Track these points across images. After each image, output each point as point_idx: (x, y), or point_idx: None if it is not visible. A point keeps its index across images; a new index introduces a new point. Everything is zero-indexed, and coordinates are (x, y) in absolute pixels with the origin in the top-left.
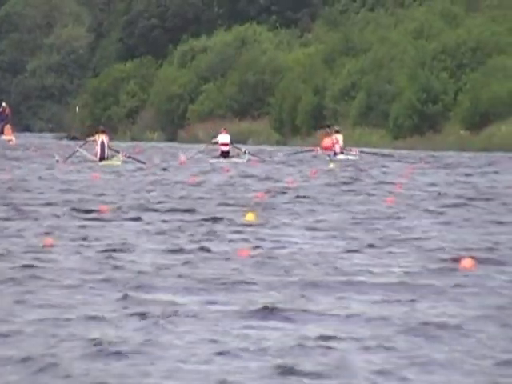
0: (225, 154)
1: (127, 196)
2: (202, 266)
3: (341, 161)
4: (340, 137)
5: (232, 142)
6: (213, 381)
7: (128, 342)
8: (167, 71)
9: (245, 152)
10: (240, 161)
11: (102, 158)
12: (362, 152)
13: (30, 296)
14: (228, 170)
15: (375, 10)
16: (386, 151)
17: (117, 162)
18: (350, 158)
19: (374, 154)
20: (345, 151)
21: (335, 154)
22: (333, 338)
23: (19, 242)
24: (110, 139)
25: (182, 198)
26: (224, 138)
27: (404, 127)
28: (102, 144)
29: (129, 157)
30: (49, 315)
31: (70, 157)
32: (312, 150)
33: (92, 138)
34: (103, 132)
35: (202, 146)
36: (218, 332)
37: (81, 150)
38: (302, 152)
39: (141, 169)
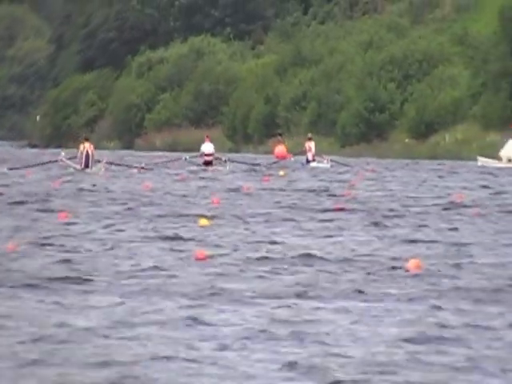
0: (208, 163)
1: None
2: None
3: (312, 168)
4: (312, 144)
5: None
6: None
7: None
8: (125, 82)
9: (225, 161)
10: (222, 169)
11: (86, 166)
12: (332, 161)
13: None
14: (183, 179)
15: (325, 22)
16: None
17: (100, 170)
18: (322, 166)
19: (345, 164)
20: (317, 159)
21: (308, 161)
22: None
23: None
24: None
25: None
26: (207, 147)
27: (351, 135)
28: (87, 153)
29: (111, 163)
30: None
31: (45, 163)
32: (258, 165)
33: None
34: (87, 140)
35: (187, 155)
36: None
37: (64, 159)
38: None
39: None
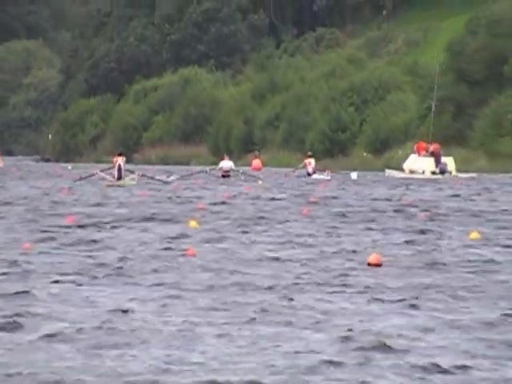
0: (225, 176)
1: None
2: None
3: (315, 180)
4: (312, 160)
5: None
6: None
7: None
8: (124, 106)
9: (242, 173)
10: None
11: (119, 178)
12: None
13: None
14: (176, 188)
15: (295, 55)
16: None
17: (132, 181)
18: (323, 177)
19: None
20: (317, 172)
21: (309, 174)
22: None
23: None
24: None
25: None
26: (226, 163)
27: (318, 151)
28: (119, 165)
29: (143, 175)
30: None
31: (86, 177)
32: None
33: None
34: (120, 155)
35: (208, 168)
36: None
37: (99, 172)
38: (192, 174)
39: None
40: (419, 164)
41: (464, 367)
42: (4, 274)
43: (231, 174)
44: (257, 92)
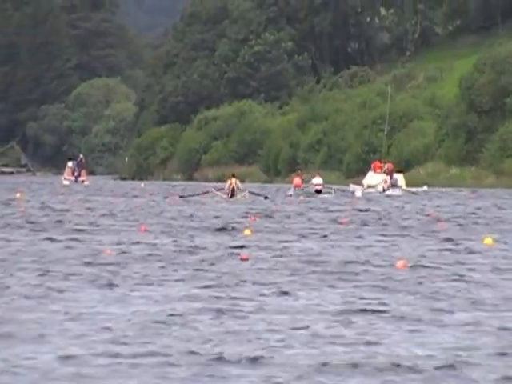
0: (318, 192)
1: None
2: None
3: (391, 195)
4: (400, 176)
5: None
6: None
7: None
8: (189, 133)
9: (334, 190)
10: (328, 196)
11: (231, 196)
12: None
13: None
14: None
15: (332, 89)
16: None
17: (243, 198)
18: (395, 193)
19: (413, 193)
20: (391, 189)
21: (383, 190)
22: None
23: None
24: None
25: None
26: (317, 180)
27: (353, 170)
28: (233, 186)
29: (252, 193)
30: None
31: (201, 194)
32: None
33: (226, 185)
34: (233, 176)
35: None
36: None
37: (214, 190)
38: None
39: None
40: (375, 180)
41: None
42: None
43: (323, 189)
44: (300, 121)
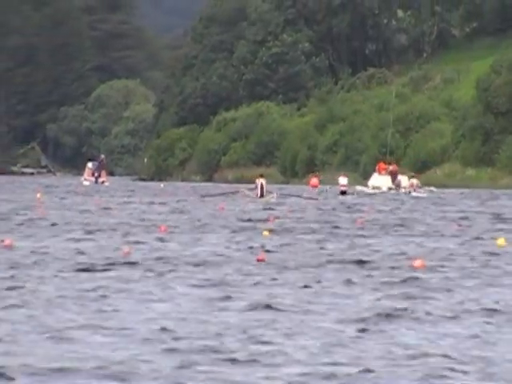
0: (343, 193)
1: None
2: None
3: (417, 197)
4: (415, 181)
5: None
6: None
7: None
8: (207, 134)
9: (357, 193)
10: (350, 197)
11: (260, 196)
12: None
13: None
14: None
15: (350, 91)
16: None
17: (272, 198)
18: (421, 195)
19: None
20: (416, 189)
21: (410, 192)
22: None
23: None
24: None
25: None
26: (343, 180)
27: (370, 171)
28: (261, 185)
29: (281, 194)
30: None
31: (231, 193)
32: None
33: (252, 186)
34: (261, 176)
35: (328, 186)
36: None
37: (243, 190)
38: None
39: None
40: (380, 181)
41: None
42: None
43: (348, 189)
44: (318, 122)
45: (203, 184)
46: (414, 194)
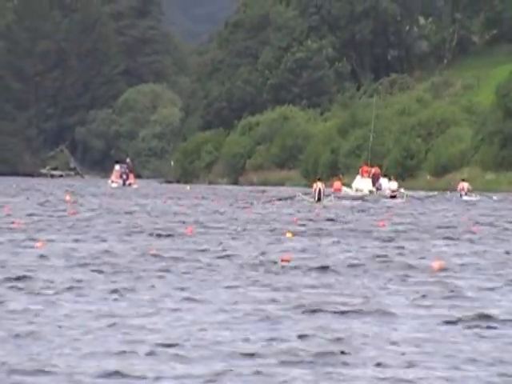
0: (392, 197)
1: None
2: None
3: (466, 201)
4: (466, 184)
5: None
6: None
7: None
8: (232, 138)
9: (406, 195)
10: (400, 201)
11: (318, 200)
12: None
13: None
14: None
15: (373, 96)
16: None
17: (329, 202)
18: (473, 199)
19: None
20: (468, 193)
21: (461, 195)
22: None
23: None
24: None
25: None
26: (393, 185)
27: (391, 175)
28: (319, 189)
29: (338, 197)
30: None
31: (291, 198)
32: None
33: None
34: (319, 180)
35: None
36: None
37: (301, 194)
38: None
39: None
40: (362, 184)
41: None
42: None
43: (397, 194)
44: (341, 126)
45: (230, 187)
46: (465, 197)
